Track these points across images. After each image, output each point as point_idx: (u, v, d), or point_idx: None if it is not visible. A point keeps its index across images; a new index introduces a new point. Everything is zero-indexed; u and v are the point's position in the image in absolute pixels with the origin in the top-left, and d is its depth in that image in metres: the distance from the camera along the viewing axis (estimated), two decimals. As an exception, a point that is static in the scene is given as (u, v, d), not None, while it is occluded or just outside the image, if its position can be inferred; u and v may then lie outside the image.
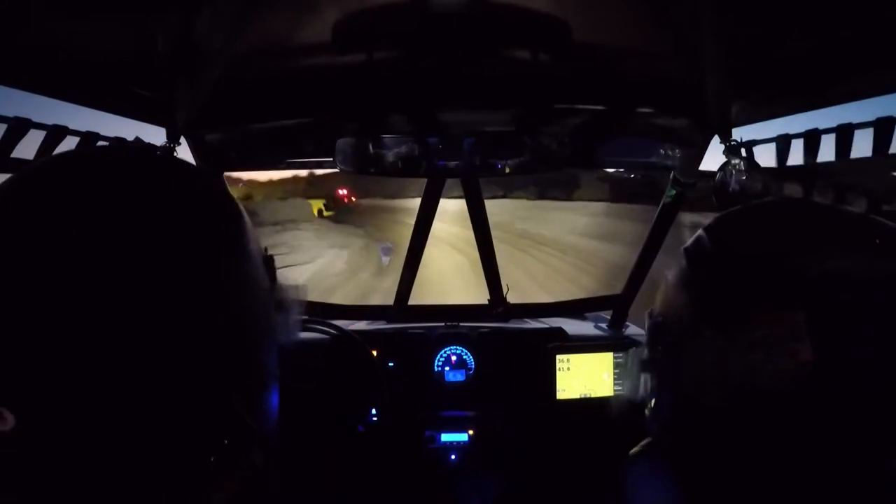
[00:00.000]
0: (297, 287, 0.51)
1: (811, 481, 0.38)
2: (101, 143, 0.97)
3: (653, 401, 0.51)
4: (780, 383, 0.38)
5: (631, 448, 0.53)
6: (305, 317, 1.69)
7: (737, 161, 1.07)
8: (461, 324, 1.66)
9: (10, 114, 0.79)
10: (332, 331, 1.44)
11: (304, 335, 1.54)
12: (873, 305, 0.37)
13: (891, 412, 0.36)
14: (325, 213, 22.35)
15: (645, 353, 0.51)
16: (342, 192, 26.35)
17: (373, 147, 1.26)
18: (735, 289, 0.42)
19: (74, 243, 0.32)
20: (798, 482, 0.39)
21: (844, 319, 0.37)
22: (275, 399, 0.45)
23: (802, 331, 0.37)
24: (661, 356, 0.49)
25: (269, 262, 0.45)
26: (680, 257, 0.49)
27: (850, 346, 0.36)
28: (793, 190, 0.98)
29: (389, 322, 1.72)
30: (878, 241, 0.39)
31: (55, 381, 0.31)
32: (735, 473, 0.41)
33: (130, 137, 1.04)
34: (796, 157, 1.00)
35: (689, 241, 0.49)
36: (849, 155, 0.87)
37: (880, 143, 0.80)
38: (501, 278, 1.73)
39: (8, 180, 0.36)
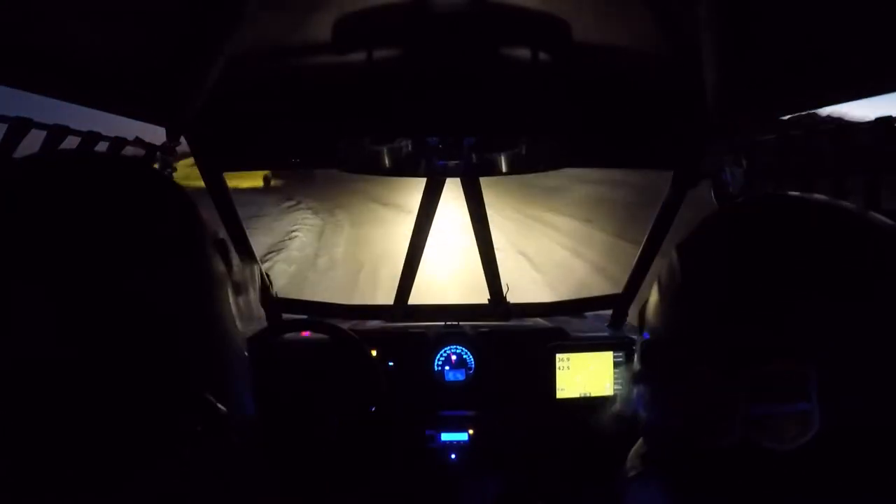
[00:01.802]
0: (253, 268, 0.51)
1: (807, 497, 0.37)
2: (101, 142, 0.97)
3: (646, 412, 0.50)
4: (782, 438, 0.35)
5: (631, 448, 0.53)
6: (303, 317, 1.69)
7: (737, 161, 1.08)
8: (461, 323, 1.66)
9: (11, 113, 0.79)
10: (331, 331, 1.44)
11: (305, 336, 1.54)
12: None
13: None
14: (273, 182, 18.71)
15: (638, 366, 0.49)
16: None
17: (373, 147, 1.26)
18: (723, 301, 0.40)
19: (28, 248, 0.34)
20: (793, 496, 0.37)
21: (851, 374, 0.35)
22: (247, 385, 0.46)
23: (807, 383, 0.34)
24: (654, 373, 0.47)
25: (221, 245, 0.45)
26: (669, 267, 0.46)
27: (856, 400, 0.35)
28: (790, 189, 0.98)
29: (389, 322, 1.72)
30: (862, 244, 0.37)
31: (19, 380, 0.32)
32: (729, 479, 0.40)
33: (130, 137, 1.04)
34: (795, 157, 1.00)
35: (681, 249, 0.46)
36: (849, 155, 0.87)
37: (880, 143, 0.80)
38: (502, 278, 1.74)
39: None
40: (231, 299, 0.45)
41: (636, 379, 0.48)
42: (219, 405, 0.38)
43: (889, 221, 0.39)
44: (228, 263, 0.46)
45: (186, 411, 0.37)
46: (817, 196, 0.42)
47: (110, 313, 0.34)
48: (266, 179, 18.56)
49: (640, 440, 0.52)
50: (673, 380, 0.43)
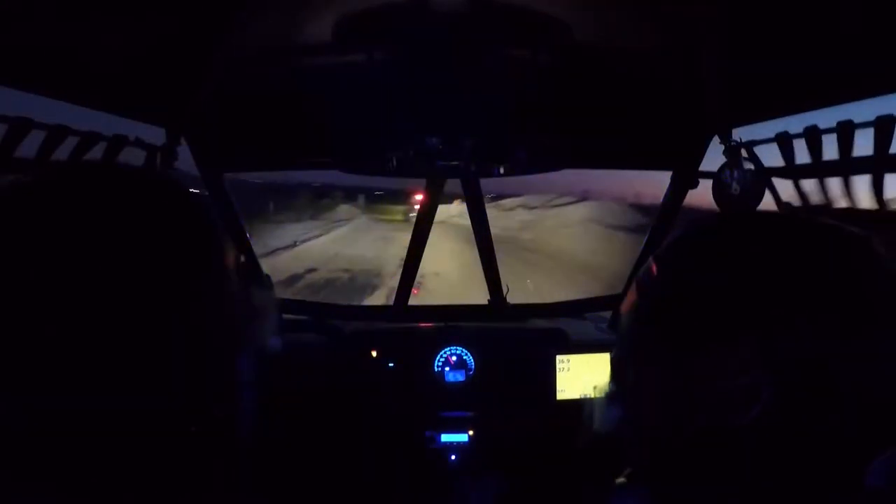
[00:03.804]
0: (271, 290, 0.52)
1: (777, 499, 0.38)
2: (101, 143, 0.97)
3: (623, 430, 0.51)
4: (734, 413, 0.38)
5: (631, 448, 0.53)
6: (303, 317, 1.69)
7: (737, 161, 1.07)
8: (461, 324, 1.66)
9: (12, 113, 0.79)
10: (331, 331, 1.44)
11: (304, 336, 1.54)
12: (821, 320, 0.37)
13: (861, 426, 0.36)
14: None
15: (612, 387, 0.51)
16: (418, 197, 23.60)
17: (373, 147, 1.26)
18: (685, 319, 0.41)
19: (49, 259, 0.34)
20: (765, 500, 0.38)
21: (792, 342, 0.37)
22: (251, 396, 0.46)
23: (754, 360, 0.37)
24: (624, 390, 0.49)
25: (241, 267, 0.45)
26: (633, 289, 0.48)
27: (802, 369, 0.37)
28: (790, 192, 0.98)
29: (389, 322, 1.72)
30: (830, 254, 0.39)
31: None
32: (705, 497, 0.41)
33: (131, 137, 1.04)
34: (795, 156, 1.00)
35: (640, 271, 0.48)
36: (849, 154, 0.87)
37: (881, 143, 0.80)
38: (502, 278, 1.74)
39: None
40: (247, 319, 0.45)
41: (610, 401, 0.51)
42: (216, 406, 0.38)
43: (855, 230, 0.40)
44: (246, 285, 0.46)
45: (184, 413, 0.37)
46: (779, 212, 0.43)
47: (121, 314, 0.35)
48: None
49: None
50: (644, 383, 0.45)
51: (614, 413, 0.51)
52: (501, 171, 1.33)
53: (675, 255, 0.47)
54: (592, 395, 1.55)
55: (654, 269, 0.46)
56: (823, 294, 0.37)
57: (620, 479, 0.51)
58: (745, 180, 1.05)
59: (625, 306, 0.49)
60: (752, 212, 0.46)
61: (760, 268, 0.39)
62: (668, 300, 0.43)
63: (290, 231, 15.37)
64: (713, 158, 1.22)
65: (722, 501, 0.40)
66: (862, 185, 0.87)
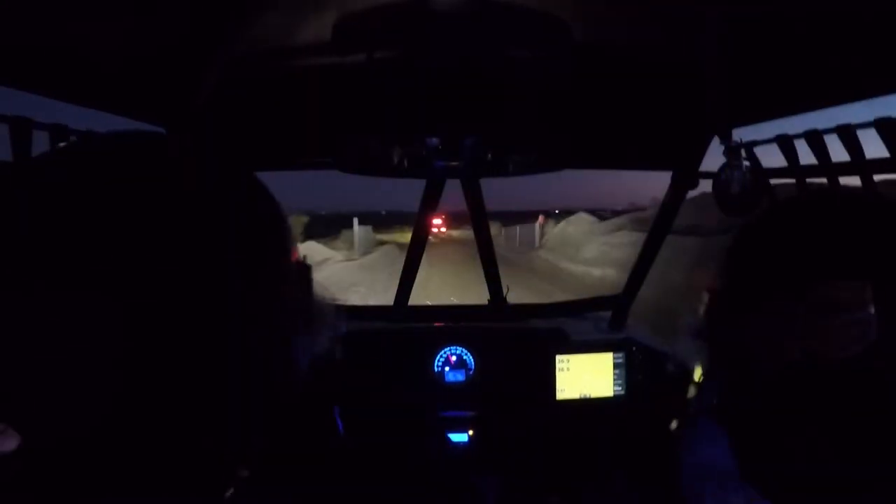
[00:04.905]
0: (333, 300, 0.47)
1: (865, 439, 0.39)
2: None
3: (706, 370, 0.52)
4: (841, 348, 0.39)
5: (630, 449, 0.54)
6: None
7: (737, 161, 1.07)
8: (461, 324, 1.66)
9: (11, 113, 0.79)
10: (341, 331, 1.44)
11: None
12: None
13: None
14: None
15: (703, 322, 0.51)
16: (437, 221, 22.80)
17: (373, 147, 1.26)
18: (800, 258, 0.42)
19: (100, 243, 0.29)
20: (852, 440, 0.39)
21: None
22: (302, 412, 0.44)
23: (865, 299, 0.38)
24: (719, 326, 0.49)
25: (304, 271, 0.40)
26: (738, 237, 0.49)
27: None
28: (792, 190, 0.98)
29: (389, 322, 1.72)
30: None
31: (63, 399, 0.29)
32: (790, 430, 0.42)
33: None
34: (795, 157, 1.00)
35: (750, 218, 0.49)
36: (850, 155, 0.87)
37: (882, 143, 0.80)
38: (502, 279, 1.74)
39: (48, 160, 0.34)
40: (304, 328, 0.40)
41: (698, 335, 0.50)
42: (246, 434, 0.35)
43: None
44: (308, 291, 0.41)
45: (234, 457, 0.35)
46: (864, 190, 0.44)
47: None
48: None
49: (694, 391, 0.53)
50: (735, 323, 0.46)
51: (701, 348, 0.51)
52: (501, 171, 1.33)
53: (792, 208, 0.48)
54: (593, 396, 1.56)
55: (769, 216, 0.48)
56: None
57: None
58: (745, 180, 1.05)
59: (729, 249, 0.49)
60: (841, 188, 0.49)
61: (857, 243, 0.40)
62: (783, 242, 0.44)
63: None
64: (713, 158, 1.22)
65: (807, 439, 0.41)
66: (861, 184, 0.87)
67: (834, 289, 0.39)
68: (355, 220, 22.50)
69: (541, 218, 26.29)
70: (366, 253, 18.95)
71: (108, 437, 0.30)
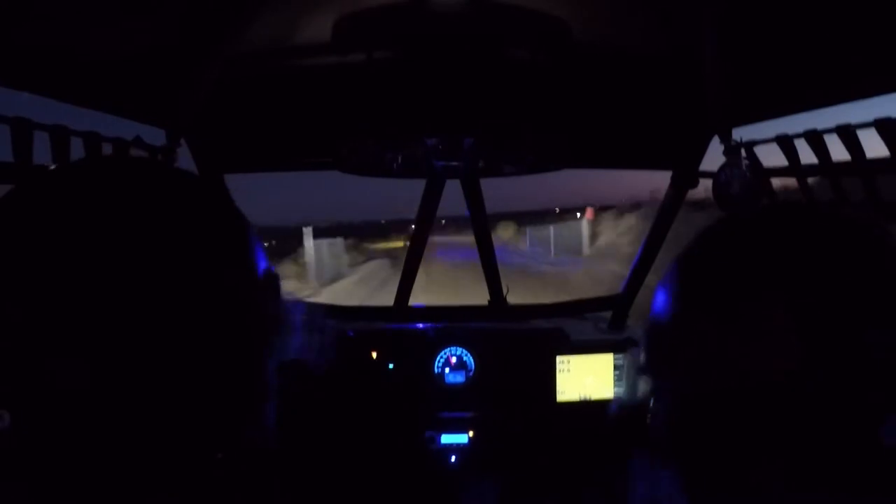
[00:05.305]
0: (303, 304, 0.50)
1: (812, 461, 0.39)
2: (101, 143, 0.97)
3: (652, 403, 0.51)
4: (773, 371, 0.39)
5: (630, 449, 0.53)
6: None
7: (737, 161, 1.07)
8: (461, 324, 1.66)
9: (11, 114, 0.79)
10: (330, 332, 1.44)
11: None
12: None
13: (878, 387, 0.37)
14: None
15: (642, 357, 0.51)
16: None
17: (373, 148, 1.26)
18: (726, 288, 0.42)
19: (76, 253, 0.33)
20: (800, 463, 0.39)
21: (828, 316, 0.38)
22: (272, 411, 0.45)
23: (789, 325, 0.38)
24: (658, 359, 0.49)
25: (271, 279, 0.43)
26: (672, 265, 0.49)
27: (834, 338, 0.38)
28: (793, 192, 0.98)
29: (389, 323, 1.72)
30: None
31: (51, 385, 0.32)
32: (739, 461, 0.42)
33: (130, 137, 1.04)
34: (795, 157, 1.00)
35: (682, 249, 0.49)
36: (850, 155, 0.86)
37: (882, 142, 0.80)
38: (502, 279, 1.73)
39: (16, 188, 0.36)
40: (273, 332, 0.44)
41: (641, 371, 0.51)
42: (242, 431, 0.38)
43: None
44: (275, 297, 0.44)
45: (208, 436, 0.37)
46: (817, 205, 0.44)
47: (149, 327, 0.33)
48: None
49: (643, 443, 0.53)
50: (672, 354, 0.46)
51: (645, 383, 0.52)
52: (501, 171, 1.33)
53: (721, 232, 0.47)
54: (593, 397, 1.55)
55: (698, 244, 0.47)
56: (850, 278, 0.38)
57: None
58: (744, 180, 1.05)
59: (663, 283, 0.49)
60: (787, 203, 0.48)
61: (795, 253, 0.40)
62: (710, 271, 0.44)
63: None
64: (713, 158, 1.22)
65: (749, 466, 0.41)
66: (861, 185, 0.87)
67: (765, 306, 0.39)
68: (306, 232, 15.06)
69: (589, 212, 19.89)
70: (334, 279, 13.52)
71: (89, 422, 0.33)
